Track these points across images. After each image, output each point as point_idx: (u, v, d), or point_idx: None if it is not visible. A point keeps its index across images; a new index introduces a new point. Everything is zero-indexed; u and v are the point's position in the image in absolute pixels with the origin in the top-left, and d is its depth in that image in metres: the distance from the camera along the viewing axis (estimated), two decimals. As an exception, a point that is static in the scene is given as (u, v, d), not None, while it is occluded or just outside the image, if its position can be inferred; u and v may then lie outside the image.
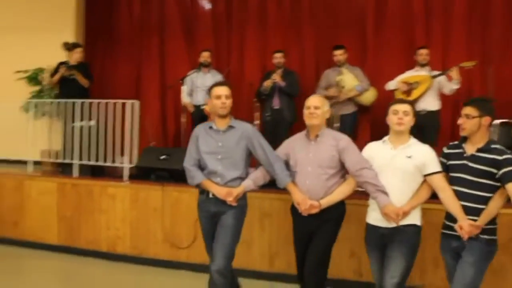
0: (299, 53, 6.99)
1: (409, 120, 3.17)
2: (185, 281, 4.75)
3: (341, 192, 3.38)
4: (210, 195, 3.50)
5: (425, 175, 3.13)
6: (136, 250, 5.28)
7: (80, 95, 6.31)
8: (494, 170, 2.87)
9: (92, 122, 5.87)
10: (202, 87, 6.42)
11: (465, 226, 2.86)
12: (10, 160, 6.56)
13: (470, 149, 3.01)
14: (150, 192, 5.25)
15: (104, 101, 5.88)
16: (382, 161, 3.21)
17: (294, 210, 3.49)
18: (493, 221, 2.93)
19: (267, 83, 6.05)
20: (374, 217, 3.24)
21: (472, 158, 2.96)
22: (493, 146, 2.94)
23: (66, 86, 6.41)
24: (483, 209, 2.89)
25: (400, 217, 3.06)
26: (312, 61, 6.92)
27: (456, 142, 3.13)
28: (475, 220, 2.88)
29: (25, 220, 5.75)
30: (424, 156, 3.13)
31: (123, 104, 5.70)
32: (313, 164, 3.39)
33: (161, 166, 5.50)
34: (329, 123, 3.42)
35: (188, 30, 7.57)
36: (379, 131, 3.86)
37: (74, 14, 7.56)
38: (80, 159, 5.90)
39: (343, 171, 3.43)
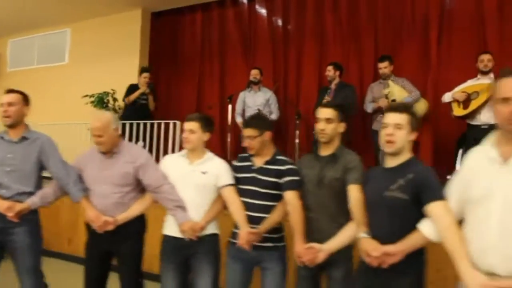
0: (358, 66, 6.66)
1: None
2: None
3: (137, 208, 3.25)
4: None
5: (219, 188, 3.14)
6: None
7: (145, 117, 6.59)
8: (280, 180, 2.96)
9: (140, 142, 6.01)
10: (253, 106, 6.33)
11: (242, 234, 2.90)
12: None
13: (258, 161, 3.07)
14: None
15: (144, 122, 6.05)
16: (178, 175, 3.18)
17: (89, 227, 3.28)
18: (279, 230, 3.04)
19: None
20: (175, 229, 3.13)
21: (260, 171, 3.03)
22: (278, 157, 3.06)
23: (133, 109, 6.74)
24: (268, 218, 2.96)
25: (197, 232, 3.06)
26: (371, 74, 6.52)
27: (245, 155, 3.16)
28: None
29: (78, 236, 5.97)
30: (218, 169, 3.15)
31: (166, 124, 5.78)
32: (107, 181, 3.21)
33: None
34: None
35: (246, 48, 7.56)
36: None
37: (139, 40, 7.92)
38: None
39: (140, 186, 3.27)
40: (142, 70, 6.90)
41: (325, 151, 2.91)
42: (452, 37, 6.11)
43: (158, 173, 3.24)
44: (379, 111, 5.38)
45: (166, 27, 8.30)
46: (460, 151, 5.15)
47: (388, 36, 6.49)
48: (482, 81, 5.03)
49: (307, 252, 2.72)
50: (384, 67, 5.58)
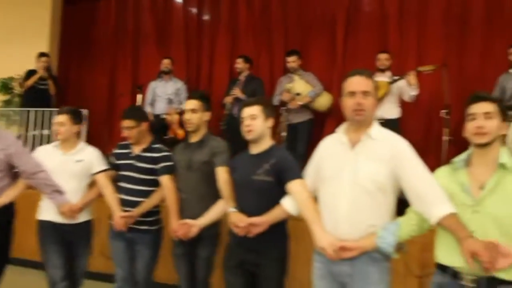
0: (269, 58, 6.81)
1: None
2: None
3: (9, 195, 3.27)
4: None
5: (92, 174, 3.41)
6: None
7: (45, 105, 6.37)
8: (156, 166, 3.23)
9: (46, 131, 5.82)
10: (163, 95, 6.30)
11: (115, 217, 3.22)
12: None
13: (136, 149, 3.33)
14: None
15: (47, 110, 5.84)
16: (53, 165, 3.32)
17: None
18: (154, 213, 3.31)
19: (228, 100, 5.87)
20: (53, 214, 3.31)
21: (137, 158, 3.29)
22: (154, 146, 3.34)
23: (33, 94, 6.51)
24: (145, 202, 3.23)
25: (76, 213, 3.30)
26: (281, 67, 6.68)
27: (125, 143, 3.40)
28: None
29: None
30: (91, 157, 3.43)
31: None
32: None
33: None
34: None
35: (160, 37, 7.49)
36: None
37: (48, 24, 7.61)
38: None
39: (12, 173, 3.32)
40: (40, 55, 6.64)
41: (193, 138, 3.21)
42: (358, 35, 6.40)
43: (33, 160, 3.32)
44: (283, 104, 5.58)
45: (80, 13, 8.02)
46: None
47: (298, 31, 6.67)
48: (379, 79, 5.30)
49: (181, 227, 3.05)
50: (292, 61, 5.74)
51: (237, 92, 5.79)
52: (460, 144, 5.55)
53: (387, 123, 5.03)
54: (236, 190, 2.84)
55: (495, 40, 5.85)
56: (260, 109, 2.78)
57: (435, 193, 2.14)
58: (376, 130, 2.30)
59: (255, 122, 2.75)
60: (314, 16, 6.62)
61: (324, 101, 5.58)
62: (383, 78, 5.32)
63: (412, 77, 5.01)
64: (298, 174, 2.61)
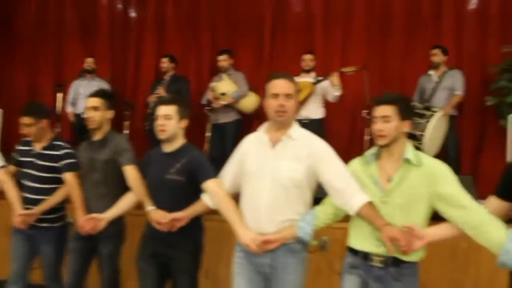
0: (197, 57, 6.75)
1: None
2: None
3: None
4: None
5: None
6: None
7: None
8: (57, 164, 3.20)
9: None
10: (85, 94, 6.02)
11: (15, 215, 3.16)
12: None
13: (37, 147, 3.28)
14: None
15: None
16: None
17: None
18: (56, 210, 3.28)
19: (151, 99, 5.74)
20: None
21: (39, 156, 3.25)
22: (55, 143, 3.28)
23: None
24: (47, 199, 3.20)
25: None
26: (209, 66, 6.64)
27: (28, 139, 3.33)
28: None
29: None
30: None
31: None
32: None
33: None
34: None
35: (85, 34, 7.19)
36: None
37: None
38: None
39: None
40: None
41: (96, 137, 3.19)
42: (285, 35, 6.47)
43: None
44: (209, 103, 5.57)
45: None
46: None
47: (226, 30, 6.66)
48: (304, 79, 5.38)
49: (88, 222, 3.00)
50: (223, 60, 5.72)
51: (161, 91, 5.69)
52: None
53: (312, 123, 5.21)
54: (149, 188, 2.90)
55: (415, 42, 6.11)
56: (175, 110, 2.84)
57: (351, 186, 2.35)
58: (296, 130, 2.46)
59: (169, 122, 2.81)
60: (242, 16, 6.62)
61: (250, 102, 5.58)
62: (307, 78, 5.39)
63: (335, 78, 5.10)
64: (211, 173, 2.73)
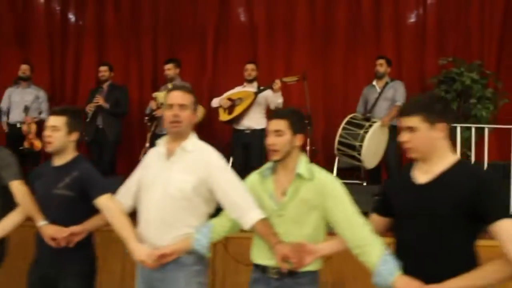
0: (138, 66, 6.61)
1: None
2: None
3: None
4: None
5: None
6: None
7: None
8: None
9: None
10: (20, 103, 5.80)
11: None
12: None
13: None
14: None
15: None
16: None
17: None
18: None
19: (90, 108, 5.55)
20: None
21: None
22: None
23: None
24: None
25: None
26: (151, 74, 6.51)
27: None
28: None
29: None
30: None
31: None
32: None
33: None
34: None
35: (20, 39, 6.88)
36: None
37: None
38: None
39: None
40: None
41: None
42: (228, 45, 6.44)
43: None
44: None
45: None
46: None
47: (168, 39, 6.56)
48: (247, 89, 5.34)
49: None
50: (168, 69, 5.60)
51: (100, 100, 5.50)
52: (323, 153, 5.84)
53: (254, 133, 5.16)
54: (39, 204, 2.70)
55: (358, 53, 6.20)
56: (64, 121, 2.67)
57: (246, 200, 2.32)
58: (191, 142, 2.42)
59: (56, 134, 2.64)
60: (184, 24, 6.56)
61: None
62: (250, 88, 5.34)
63: (276, 83, 5.05)
64: (104, 188, 2.62)
